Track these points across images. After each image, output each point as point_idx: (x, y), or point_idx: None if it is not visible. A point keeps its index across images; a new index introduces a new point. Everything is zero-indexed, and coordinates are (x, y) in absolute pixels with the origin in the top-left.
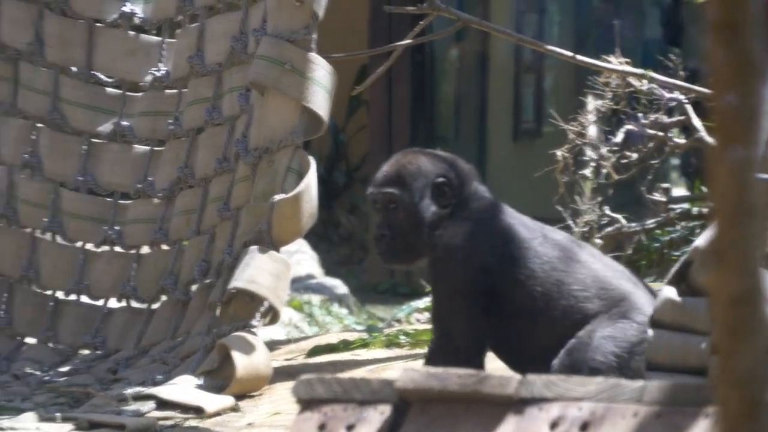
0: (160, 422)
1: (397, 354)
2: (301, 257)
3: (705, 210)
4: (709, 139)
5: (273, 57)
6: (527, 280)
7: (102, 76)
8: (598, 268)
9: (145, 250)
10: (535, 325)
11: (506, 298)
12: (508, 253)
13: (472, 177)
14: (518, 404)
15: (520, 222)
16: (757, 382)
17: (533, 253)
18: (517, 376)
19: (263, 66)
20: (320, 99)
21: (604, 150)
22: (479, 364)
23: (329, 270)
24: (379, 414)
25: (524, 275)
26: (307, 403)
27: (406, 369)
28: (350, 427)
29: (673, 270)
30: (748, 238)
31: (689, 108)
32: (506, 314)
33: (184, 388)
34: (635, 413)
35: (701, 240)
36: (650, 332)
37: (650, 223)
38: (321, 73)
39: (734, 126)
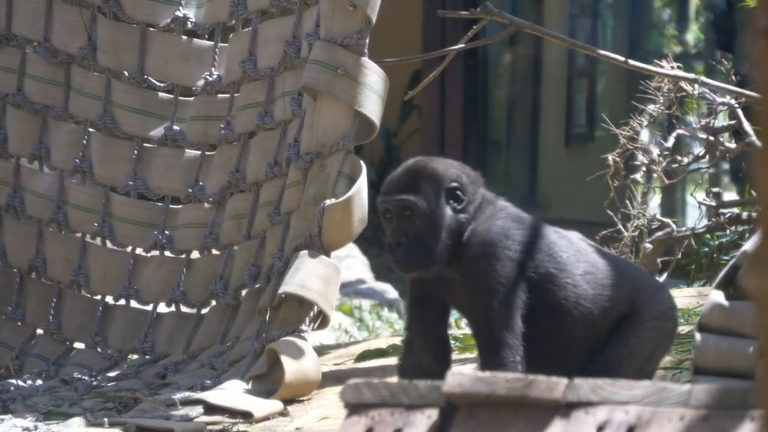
0: (209, 427)
1: None
2: (352, 262)
3: (754, 214)
4: (759, 144)
5: (326, 61)
6: (559, 272)
7: (154, 81)
8: (609, 257)
9: (195, 254)
10: (568, 317)
11: (540, 292)
12: (540, 246)
13: (479, 182)
14: (565, 408)
15: (536, 219)
16: None
17: (559, 246)
18: (564, 380)
19: (316, 70)
20: (372, 103)
21: (655, 154)
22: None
23: (379, 274)
24: (426, 418)
25: (556, 268)
26: (354, 408)
27: (453, 373)
28: (398, 431)
29: (721, 274)
30: None
31: (740, 112)
32: (540, 309)
33: (232, 392)
34: (682, 417)
35: (749, 244)
36: (697, 336)
37: (700, 227)
38: (373, 77)
39: None
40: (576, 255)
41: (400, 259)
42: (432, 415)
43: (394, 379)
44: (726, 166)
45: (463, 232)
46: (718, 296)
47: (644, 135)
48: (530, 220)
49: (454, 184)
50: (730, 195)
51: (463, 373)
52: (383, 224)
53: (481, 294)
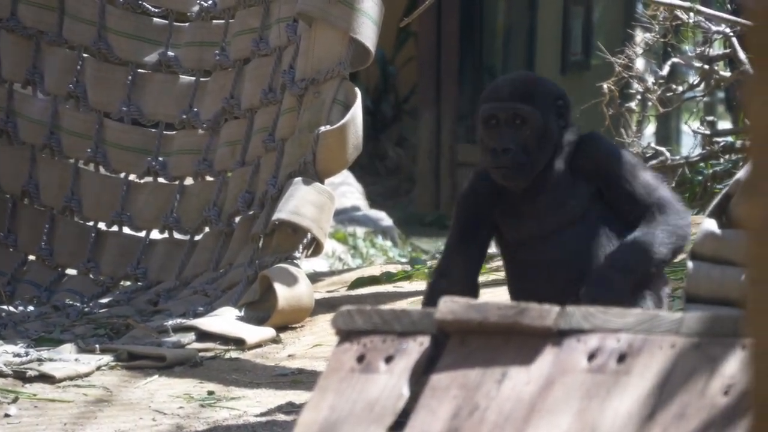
0: (201, 353)
1: None
2: (347, 189)
3: (747, 143)
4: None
5: None
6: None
7: (149, 6)
8: None
9: (189, 181)
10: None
11: None
12: None
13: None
14: (557, 336)
15: None
16: None
17: None
18: (557, 308)
19: None
20: (368, 30)
21: (650, 83)
22: None
23: (374, 202)
24: (418, 345)
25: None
26: (346, 335)
27: (446, 300)
28: (389, 359)
29: (714, 202)
30: None
31: (735, 41)
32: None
33: (225, 319)
34: (673, 344)
35: (742, 173)
36: (690, 264)
37: (694, 156)
38: (369, 4)
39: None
40: None
41: (507, 165)
42: (424, 342)
43: (387, 306)
44: (721, 94)
45: (560, 149)
46: (710, 225)
47: (640, 63)
48: None
49: (561, 102)
50: (724, 124)
51: (456, 300)
52: (480, 130)
53: (631, 178)
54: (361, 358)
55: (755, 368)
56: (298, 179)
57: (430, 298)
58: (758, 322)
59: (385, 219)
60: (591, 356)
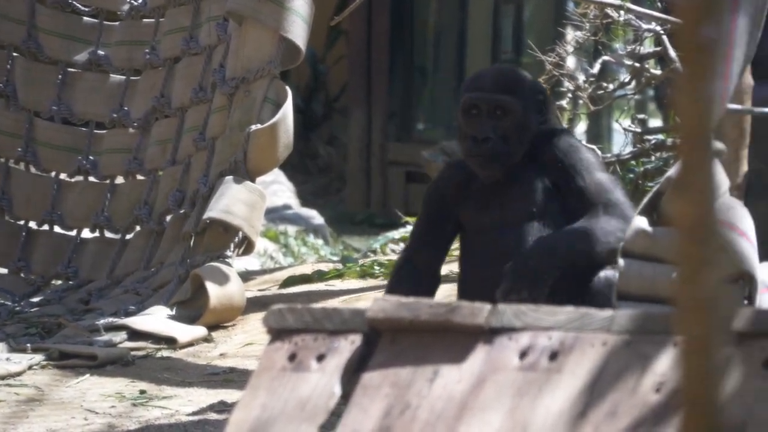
0: (132, 353)
1: (371, 284)
2: (278, 188)
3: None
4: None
5: None
6: None
7: (79, 5)
8: None
9: (120, 180)
10: None
11: None
12: None
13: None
14: (488, 334)
15: None
16: (715, 310)
17: None
18: (488, 306)
19: None
20: (298, 28)
21: (581, 81)
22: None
23: (305, 201)
24: (349, 344)
25: None
26: (277, 333)
27: (377, 299)
28: (320, 357)
29: (645, 200)
30: (710, 170)
31: (665, 39)
32: None
33: (156, 318)
34: (604, 342)
35: (673, 170)
36: (621, 262)
37: (626, 154)
38: (299, 2)
39: (700, 57)
40: None
41: (486, 154)
42: (355, 340)
43: (318, 305)
44: (651, 92)
45: (535, 141)
46: (641, 222)
47: (570, 61)
48: None
49: (541, 97)
50: (655, 122)
51: (387, 298)
52: (460, 119)
53: (588, 172)
54: (292, 357)
55: (686, 366)
56: (229, 178)
57: (398, 284)
58: (689, 320)
59: (316, 217)
60: (522, 354)
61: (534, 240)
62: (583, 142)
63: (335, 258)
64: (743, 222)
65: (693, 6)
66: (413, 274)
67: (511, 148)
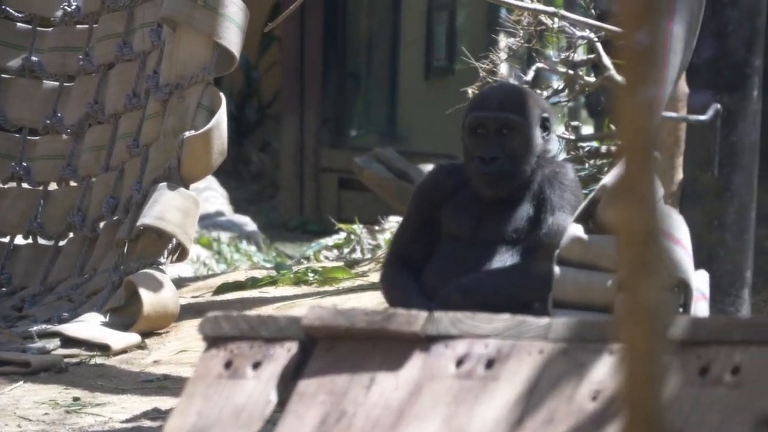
0: (66, 359)
1: (305, 291)
2: (211, 194)
3: (613, 148)
4: (619, 78)
5: None
6: None
7: (12, 11)
8: None
9: (53, 186)
10: None
11: None
12: None
13: None
14: (425, 341)
15: None
16: (659, 318)
17: None
18: (424, 313)
19: (175, 2)
20: (232, 35)
21: None
22: None
23: (238, 207)
24: (285, 351)
25: None
26: (213, 341)
27: (313, 306)
28: (256, 365)
29: (581, 208)
30: (651, 177)
31: (599, 46)
32: None
33: (90, 325)
34: (541, 350)
35: (608, 178)
36: (557, 269)
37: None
38: (233, 9)
39: (641, 64)
40: None
41: (494, 173)
42: (292, 348)
43: (253, 312)
44: (582, 99)
45: (537, 162)
46: (577, 230)
47: (504, 68)
48: None
49: (546, 115)
50: (587, 129)
51: (323, 306)
52: (465, 138)
53: (562, 210)
54: (228, 364)
55: (626, 373)
56: (163, 184)
57: (396, 283)
58: (629, 327)
59: (249, 224)
60: (459, 362)
61: (466, 278)
62: (575, 182)
63: (268, 265)
64: (678, 230)
65: (630, 12)
66: (409, 272)
67: (519, 167)
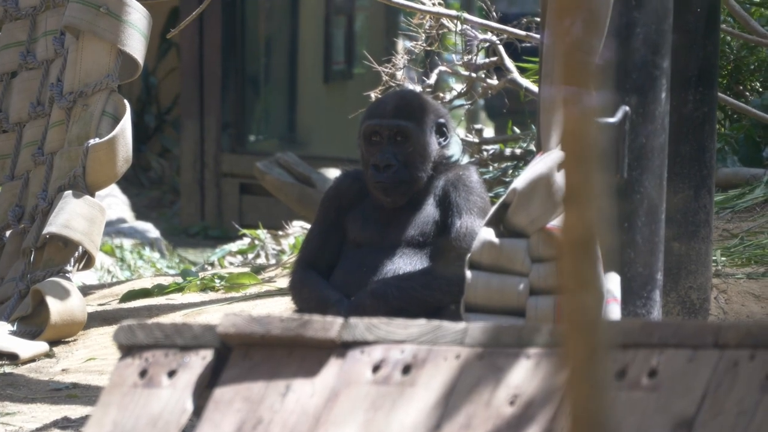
0: None
1: (212, 298)
2: (112, 201)
3: (517, 151)
4: (522, 81)
5: (88, 0)
6: None
7: None
8: None
9: None
10: None
11: None
12: None
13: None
14: (341, 348)
15: None
16: (599, 323)
17: None
18: (340, 320)
19: (78, 9)
20: (136, 42)
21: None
22: None
23: (140, 213)
24: (201, 359)
25: None
26: (128, 349)
27: (227, 314)
28: (172, 373)
29: (491, 212)
30: (593, 183)
31: (501, 49)
32: None
33: None
34: (457, 355)
35: (519, 182)
36: (468, 273)
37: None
38: (136, 16)
39: (579, 68)
40: None
41: (388, 180)
42: (207, 356)
43: (160, 319)
44: (481, 102)
45: (438, 167)
46: (487, 234)
47: (405, 72)
48: None
49: (442, 120)
50: (488, 131)
51: (238, 314)
52: (361, 146)
53: (470, 213)
54: (143, 373)
55: (570, 380)
56: (69, 192)
57: (306, 283)
58: (573, 335)
59: (151, 231)
60: (376, 368)
61: (376, 282)
62: (480, 184)
63: (172, 271)
64: None
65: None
66: (318, 274)
67: (414, 174)
